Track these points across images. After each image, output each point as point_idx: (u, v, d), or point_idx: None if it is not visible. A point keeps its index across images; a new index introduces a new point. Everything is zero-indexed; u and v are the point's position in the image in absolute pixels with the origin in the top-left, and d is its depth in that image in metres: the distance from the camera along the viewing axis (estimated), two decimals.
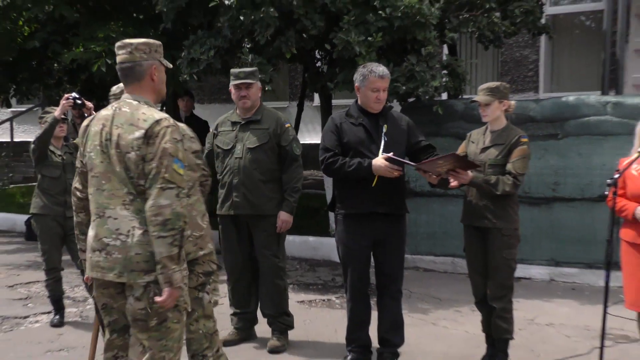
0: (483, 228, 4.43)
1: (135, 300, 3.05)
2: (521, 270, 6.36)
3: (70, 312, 6.08)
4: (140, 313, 3.06)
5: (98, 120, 3.19)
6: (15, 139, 15.96)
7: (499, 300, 4.44)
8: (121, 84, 3.99)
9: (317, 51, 7.78)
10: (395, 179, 4.37)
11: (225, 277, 5.33)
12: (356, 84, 4.50)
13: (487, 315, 4.57)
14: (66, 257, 5.90)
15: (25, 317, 6.02)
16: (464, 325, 5.61)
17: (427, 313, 6.05)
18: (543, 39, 11.47)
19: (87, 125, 3.27)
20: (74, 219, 3.46)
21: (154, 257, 3.00)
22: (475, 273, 4.57)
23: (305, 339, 5.34)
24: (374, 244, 4.54)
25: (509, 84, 4.84)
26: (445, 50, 10.25)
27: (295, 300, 6.30)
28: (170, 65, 3.35)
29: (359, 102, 4.55)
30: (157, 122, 3.03)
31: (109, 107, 3.23)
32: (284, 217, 5.03)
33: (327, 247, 8.09)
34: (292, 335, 5.25)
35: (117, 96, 3.98)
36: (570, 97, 7.30)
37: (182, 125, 3.76)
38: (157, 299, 3.01)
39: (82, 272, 3.59)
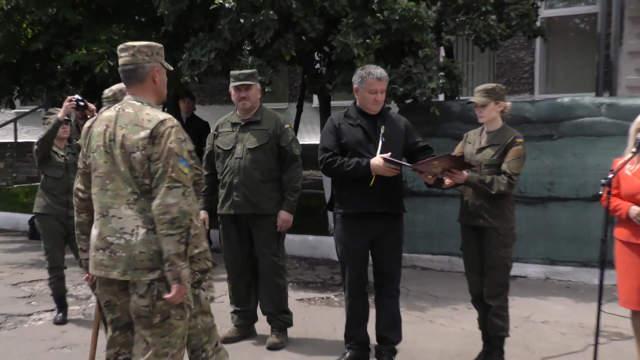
0: (479, 227, 4.43)
1: (139, 297, 3.07)
2: (517, 269, 6.36)
3: (73, 310, 6.08)
4: (144, 310, 3.08)
5: (101, 122, 3.20)
6: (19, 140, 15.95)
7: (495, 298, 4.45)
8: (113, 87, 4.05)
9: (316, 53, 7.78)
10: (392, 179, 4.38)
11: (225, 276, 5.34)
12: (354, 86, 4.51)
13: (484, 312, 4.57)
14: (69, 256, 5.90)
15: (29, 315, 6.03)
16: (461, 323, 5.61)
17: (425, 311, 6.05)
18: (538, 41, 11.47)
19: (90, 127, 3.28)
20: (75, 219, 3.46)
21: (158, 255, 3.03)
22: (472, 271, 4.58)
23: (304, 336, 5.34)
24: (372, 243, 4.54)
25: (504, 86, 4.84)
26: (442, 52, 10.22)
27: (294, 298, 6.30)
28: (171, 68, 3.37)
29: (357, 103, 4.55)
30: (162, 122, 3.06)
31: (112, 108, 3.24)
32: (284, 217, 5.04)
33: (326, 246, 8.10)
34: (292, 332, 5.25)
35: (109, 99, 4.03)
36: (565, 99, 7.30)
37: None
38: (166, 295, 3.04)
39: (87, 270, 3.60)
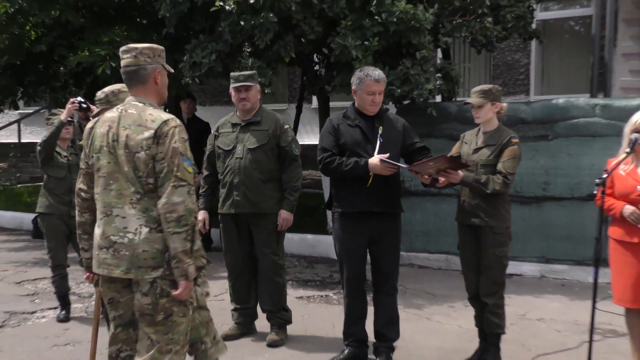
0: (476, 226, 4.44)
1: (143, 295, 3.09)
2: (513, 267, 6.35)
3: (76, 307, 6.08)
4: (148, 308, 3.09)
5: (104, 122, 3.21)
6: (23, 140, 15.95)
7: (491, 296, 4.45)
8: (105, 89, 4.08)
9: (315, 55, 7.78)
10: (390, 179, 4.39)
11: (225, 274, 5.34)
12: (353, 87, 4.51)
13: (480, 310, 4.57)
14: (72, 255, 5.90)
15: (33, 313, 6.02)
16: (458, 320, 5.62)
17: (422, 308, 6.06)
18: (534, 43, 11.49)
19: (92, 128, 3.28)
20: (78, 218, 3.45)
21: (160, 254, 3.05)
22: (469, 270, 4.58)
23: (303, 333, 5.34)
24: (370, 241, 4.54)
25: (501, 87, 4.84)
26: (439, 54, 10.25)
27: (294, 296, 6.31)
28: (172, 70, 3.38)
29: (355, 104, 4.55)
30: (165, 122, 3.08)
31: (114, 109, 3.24)
32: (285, 216, 5.04)
33: (324, 244, 8.10)
34: (291, 329, 5.25)
35: (102, 101, 4.06)
36: (560, 100, 7.31)
37: None
38: (174, 292, 3.06)
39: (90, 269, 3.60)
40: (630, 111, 4.39)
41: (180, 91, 8.58)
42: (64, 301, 5.86)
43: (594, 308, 3.90)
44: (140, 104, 3.17)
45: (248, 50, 7.23)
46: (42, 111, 15.37)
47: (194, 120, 8.86)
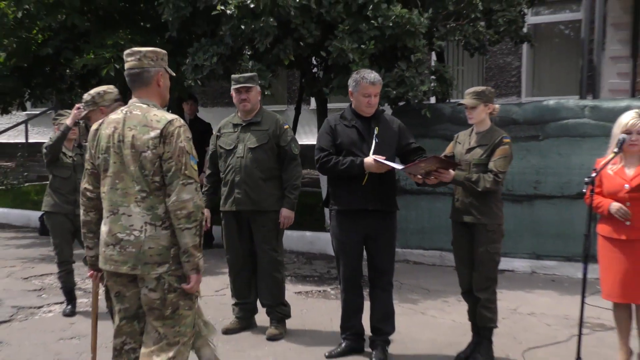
0: (469, 224, 4.43)
1: (150, 291, 3.11)
2: (504, 263, 6.36)
3: (82, 302, 6.07)
4: (156, 303, 3.11)
5: (109, 124, 3.21)
6: (30, 140, 15.93)
7: (484, 291, 4.45)
8: (91, 92, 4.13)
9: (313, 58, 7.77)
10: (385, 178, 4.40)
11: (227, 270, 5.34)
12: (350, 89, 4.51)
13: (473, 305, 4.57)
14: (78, 251, 5.88)
15: (40, 307, 6.02)
16: (451, 315, 5.62)
17: (417, 303, 6.06)
18: (525, 46, 11.48)
19: (97, 129, 3.28)
20: (83, 217, 3.42)
21: (166, 250, 3.08)
22: (462, 266, 4.58)
23: (302, 327, 5.34)
24: (366, 238, 4.54)
25: (493, 89, 4.84)
26: (434, 57, 10.24)
27: (292, 291, 6.31)
28: (174, 74, 3.40)
29: (352, 106, 4.55)
30: (170, 122, 3.10)
31: (118, 111, 3.25)
32: (286, 214, 5.04)
33: (323, 241, 8.10)
34: (290, 324, 5.25)
35: (88, 103, 4.08)
36: (551, 101, 7.31)
37: None
38: (185, 286, 3.10)
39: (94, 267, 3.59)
40: (618, 112, 4.40)
41: (182, 93, 8.57)
42: (70, 296, 5.86)
43: (583, 303, 3.91)
44: (145, 105, 3.18)
45: (248, 53, 7.22)
46: (48, 112, 15.35)
47: (196, 121, 8.86)
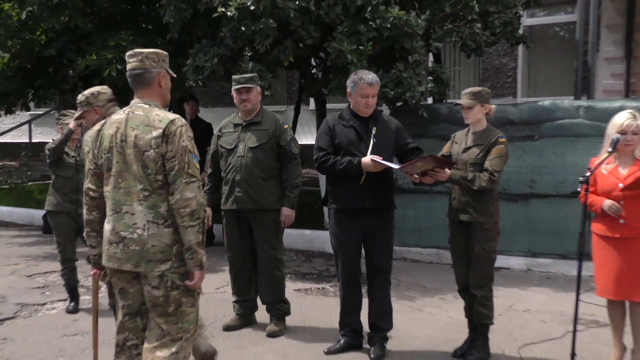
0: (466, 222, 4.44)
1: (153, 288, 3.11)
2: (500, 261, 6.37)
3: (85, 299, 6.07)
4: (159, 300, 3.12)
5: (111, 124, 3.21)
6: (34, 140, 15.91)
7: (480, 288, 4.45)
8: (85, 92, 4.16)
9: (312, 59, 7.77)
10: (383, 177, 4.41)
11: (227, 268, 5.34)
12: (348, 90, 4.51)
13: (469, 302, 4.57)
14: (81, 249, 5.88)
15: (43, 304, 6.02)
16: (448, 312, 5.62)
17: (414, 300, 6.06)
18: (521, 48, 11.47)
19: (99, 130, 3.28)
20: (86, 216, 3.42)
21: (168, 248, 3.08)
22: (459, 263, 4.58)
23: (301, 324, 5.34)
24: (364, 237, 4.54)
25: (489, 89, 4.84)
26: (431, 58, 10.24)
27: (292, 288, 6.31)
28: (175, 75, 3.40)
29: (351, 106, 4.56)
30: (172, 122, 3.10)
31: (121, 111, 3.25)
32: (287, 212, 5.04)
33: (322, 239, 8.10)
34: (290, 320, 5.25)
35: (82, 103, 4.09)
36: (546, 102, 7.31)
37: None
38: (189, 282, 3.10)
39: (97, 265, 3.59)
40: (612, 113, 4.40)
41: (183, 93, 8.57)
42: (73, 293, 5.85)
43: (577, 300, 3.91)
44: (146, 106, 3.19)
45: (248, 54, 7.21)
46: (52, 112, 15.34)
47: (197, 121, 8.85)
